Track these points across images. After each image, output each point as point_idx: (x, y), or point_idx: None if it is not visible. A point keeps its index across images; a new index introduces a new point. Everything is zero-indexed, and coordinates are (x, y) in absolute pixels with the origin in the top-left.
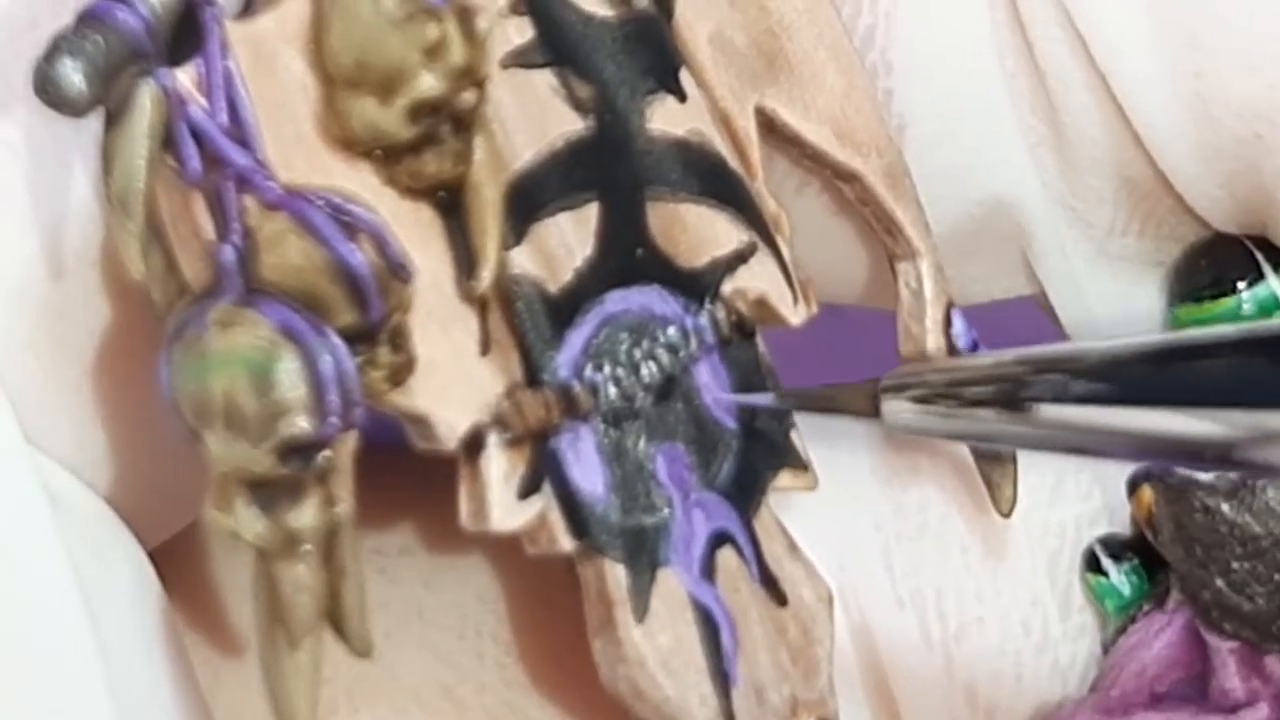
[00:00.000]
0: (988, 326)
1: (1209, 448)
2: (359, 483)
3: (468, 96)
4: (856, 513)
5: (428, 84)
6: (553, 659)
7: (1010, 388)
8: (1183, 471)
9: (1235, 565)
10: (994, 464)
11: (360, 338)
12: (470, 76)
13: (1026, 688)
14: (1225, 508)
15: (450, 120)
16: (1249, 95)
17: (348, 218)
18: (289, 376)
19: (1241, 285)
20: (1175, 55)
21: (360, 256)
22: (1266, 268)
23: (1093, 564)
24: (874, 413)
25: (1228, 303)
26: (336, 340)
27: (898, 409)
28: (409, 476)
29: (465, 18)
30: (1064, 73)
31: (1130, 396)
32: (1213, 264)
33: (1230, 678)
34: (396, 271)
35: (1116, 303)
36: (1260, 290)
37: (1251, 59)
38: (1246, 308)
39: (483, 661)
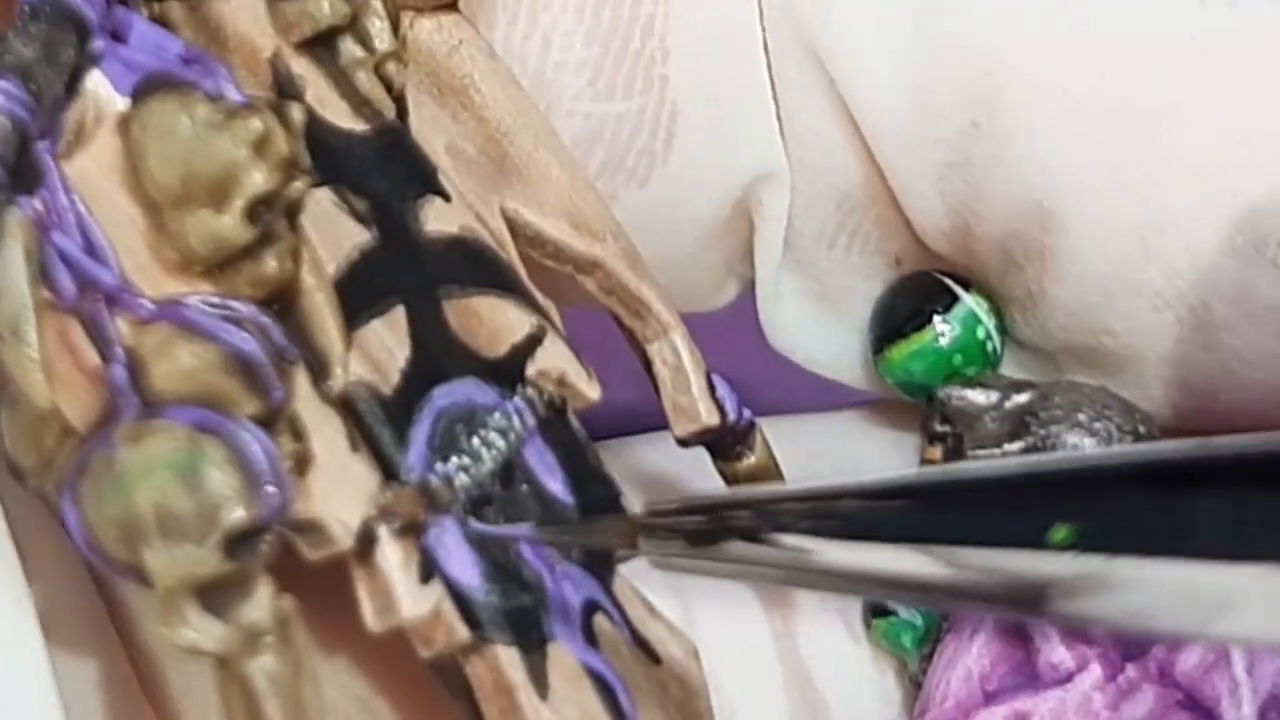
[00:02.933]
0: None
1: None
2: None
3: (298, 185)
4: None
5: (259, 179)
6: None
7: (764, 522)
8: (981, 452)
9: None
10: None
11: (262, 427)
12: (295, 165)
13: None
14: None
15: (284, 214)
16: (968, 82)
17: (226, 311)
18: (218, 468)
19: (939, 311)
20: (898, 40)
21: (252, 341)
22: (957, 289)
23: (876, 609)
24: (633, 546)
25: (931, 329)
26: (252, 425)
27: (655, 545)
28: None
29: (279, 109)
30: (788, 61)
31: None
32: (907, 299)
33: (1055, 650)
34: (284, 354)
35: (805, 311)
36: (959, 311)
37: (971, 46)
38: (950, 329)
39: None
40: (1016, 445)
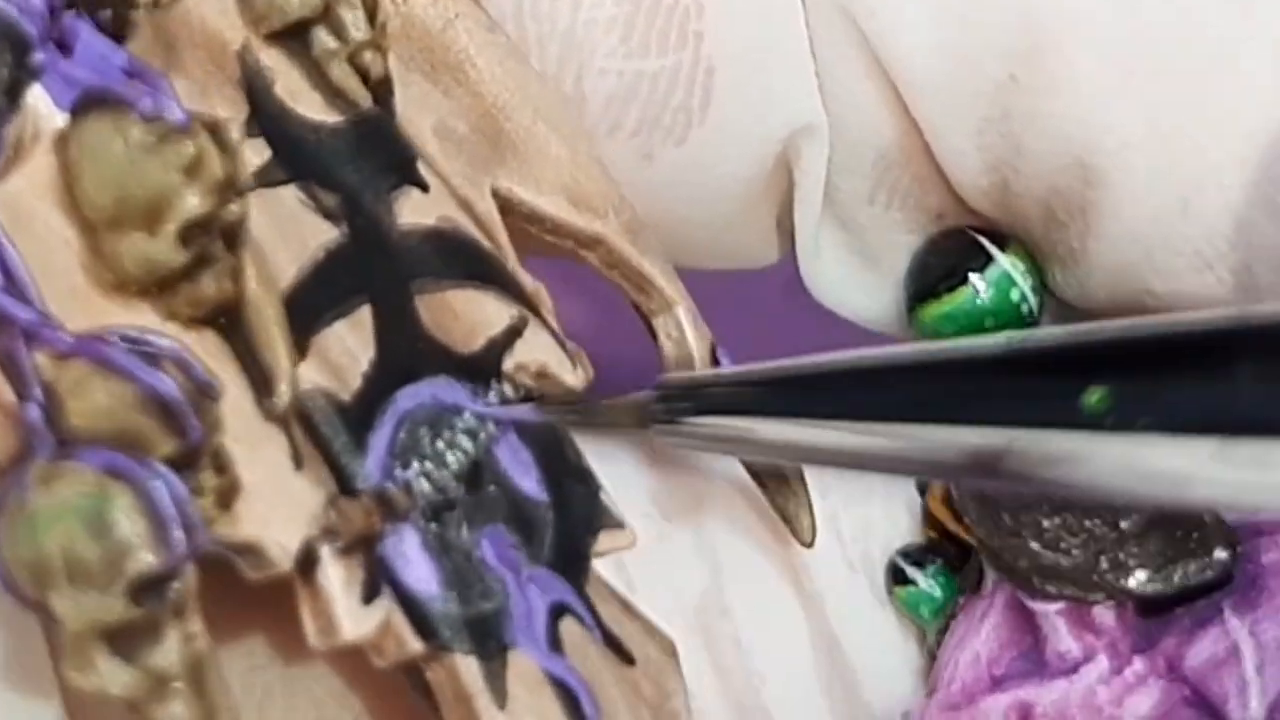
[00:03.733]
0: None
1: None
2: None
3: (233, 208)
4: None
5: (192, 203)
6: None
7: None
8: None
9: (1046, 524)
10: (786, 496)
11: (182, 465)
12: (232, 188)
13: None
14: None
15: (220, 236)
16: (1005, 35)
17: (146, 347)
18: (125, 514)
19: (973, 272)
20: None
21: (169, 382)
22: (993, 249)
23: (898, 577)
24: (644, 425)
25: (965, 290)
26: (164, 469)
27: (666, 424)
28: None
29: (215, 131)
30: (821, 16)
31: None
32: (942, 258)
33: (1063, 639)
34: (205, 390)
35: (846, 265)
36: (992, 272)
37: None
38: (983, 290)
39: None
40: None
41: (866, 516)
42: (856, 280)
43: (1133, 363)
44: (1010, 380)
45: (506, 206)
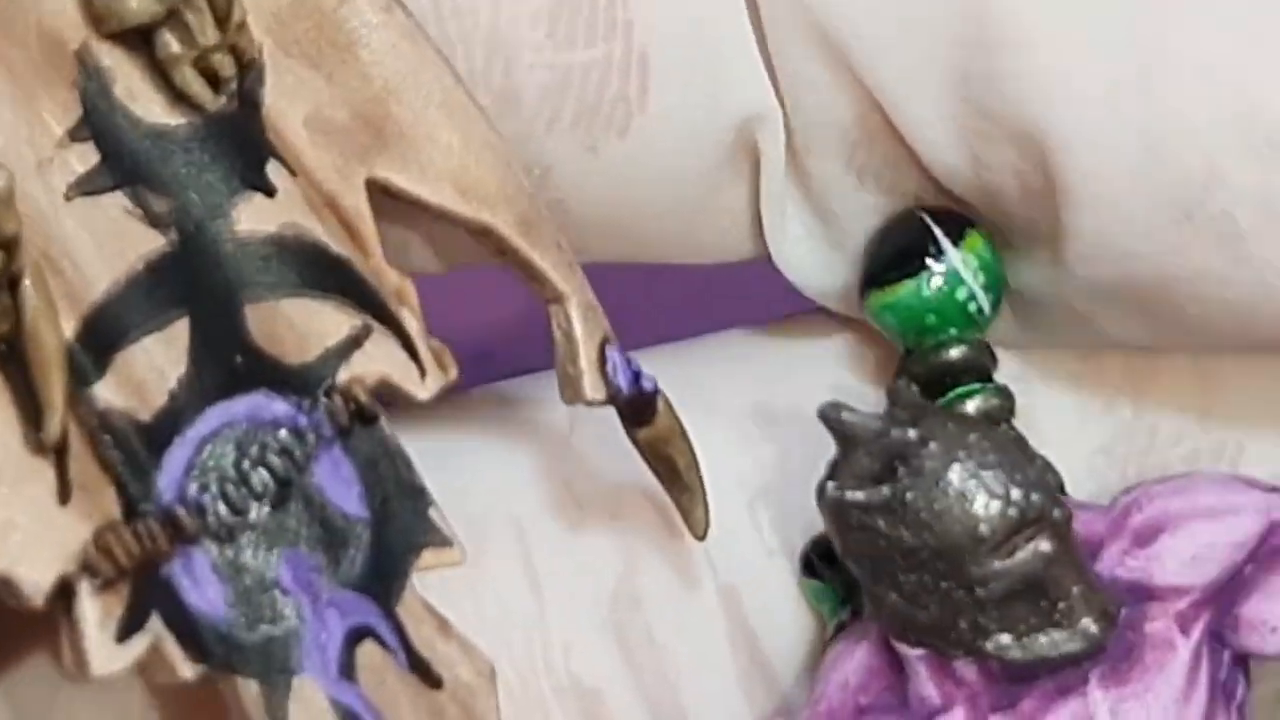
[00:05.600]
0: None
1: None
2: None
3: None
4: (719, 470)
5: None
6: None
7: None
8: (838, 491)
9: (903, 578)
10: (680, 490)
11: None
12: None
13: None
14: (881, 523)
15: None
16: None
17: None
18: None
19: (922, 264)
20: None
21: None
22: (945, 242)
23: (808, 568)
24: None
25: (909, 284)
26: None
27: None
28: None
29: None
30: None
31: None
32: (891, 247)
33: (924, 684)
34: None
35: (816, 250)
36: (941, 265)
37: None
38: (928, 286)
39: None
40: (882, 492)
41: (785, 503)
42: (826, 266)
43: None
44: None
45: (388, 194)
